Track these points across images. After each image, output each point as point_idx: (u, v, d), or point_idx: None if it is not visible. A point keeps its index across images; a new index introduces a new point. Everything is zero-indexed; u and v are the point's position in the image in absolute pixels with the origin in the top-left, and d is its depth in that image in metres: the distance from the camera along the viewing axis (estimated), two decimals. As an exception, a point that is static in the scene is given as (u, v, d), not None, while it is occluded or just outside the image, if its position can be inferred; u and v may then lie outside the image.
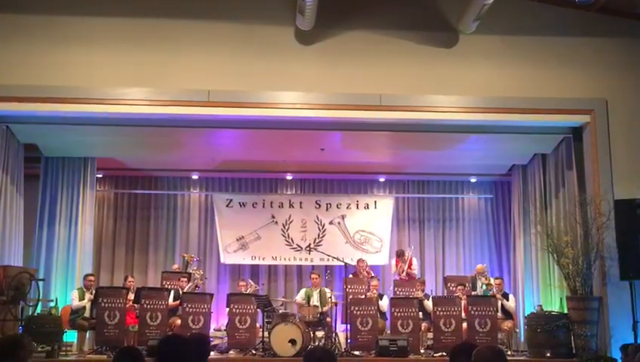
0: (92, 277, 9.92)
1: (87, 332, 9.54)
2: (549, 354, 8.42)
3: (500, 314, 9.52)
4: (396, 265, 11.10)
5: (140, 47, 8.79)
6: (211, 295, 9.84)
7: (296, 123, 9.09)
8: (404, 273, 10.84)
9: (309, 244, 11.92)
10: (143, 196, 12.40)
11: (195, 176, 12.39)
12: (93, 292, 9.60)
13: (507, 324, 9.64)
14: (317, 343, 9.35)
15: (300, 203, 12.14)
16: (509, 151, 10.66)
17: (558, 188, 9.85)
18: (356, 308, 9.32)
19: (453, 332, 9.02)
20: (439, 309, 9.22)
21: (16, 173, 9.45)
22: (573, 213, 8.96)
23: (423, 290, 10.22)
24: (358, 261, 10.89)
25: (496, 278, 10.30)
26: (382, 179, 12.53)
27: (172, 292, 9.86)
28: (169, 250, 12.21)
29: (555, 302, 9.57)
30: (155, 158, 11.40)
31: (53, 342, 8.40)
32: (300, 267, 12.20)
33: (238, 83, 8.75)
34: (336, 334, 9.44)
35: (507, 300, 9.84)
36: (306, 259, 11.98)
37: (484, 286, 10.19)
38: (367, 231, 12.03)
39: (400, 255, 11.25)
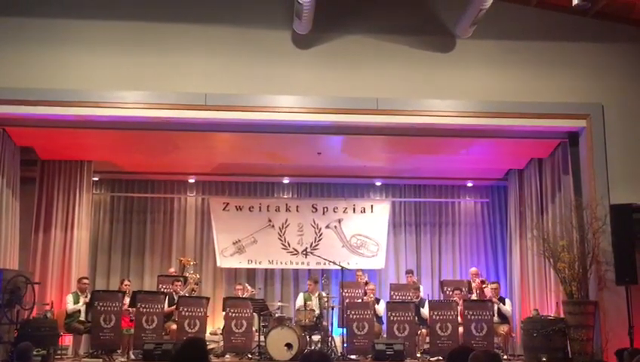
0: (86, 280, 9.91)
1: (83, 335, 9.53)
2: (545, 359, 8.43)
3: (496, 319, 9.54)
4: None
5: (136, 50, 8.79)
6: (207, 299, 9.84)
7: (293, 127, 9.09)
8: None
9: (306, 248, 11.93)
10: (140, 199, 12.39)
11: (191, 180, 12.38)
12: (88, 295, 9.59)
13: (503, 328, 9.65)
14: (313, 347, 9.34)
15: (297, 207, 12.14)
16: (505, 156, 10.69)
17: (554, 192, 9.87)
18: (352, 312, 9.33)
19: (449, 336, 9.04)
20: (435, 313, 9.23)
21: (12, 176, 9.42)
22: (569, 217, 8.97)
23: (417, 296, 10.24)
24: (357, 273, 11.00)
25: (493, 282, 10.33)
26: (378, 183, 12.54)
27: (166, 298, 9.82)
28: (165, 254, 12.20)
29: (551, 307, 9.58)
30: (151, 162, 11.38)
31: (48, 346, 8.38)
32: (296, 271, 12.20)
33: (235, 86, 8.75)
34: (332, 338, 9.43)
35: (503, 304, 9.86)
36: (303, 263, 11.98)
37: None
38: (363, 235, 12.04)
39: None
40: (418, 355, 9.28)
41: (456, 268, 12.33)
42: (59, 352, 8.88)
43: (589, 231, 8.46)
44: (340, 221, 12.07)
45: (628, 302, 8.17)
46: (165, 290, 10.13)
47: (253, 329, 9.43)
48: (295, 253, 11.97)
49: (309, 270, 11.88)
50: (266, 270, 12.19)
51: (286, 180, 12.44)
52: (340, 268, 10.11)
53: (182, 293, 10.03)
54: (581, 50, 9.14)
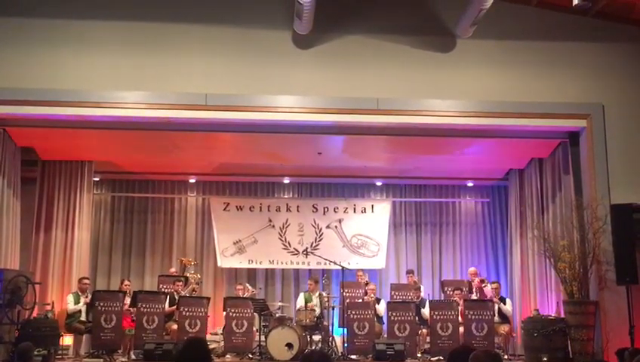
0: (87, 280, 9.91)
1: (84, 335, 9.53)
2: (545, 359, 8.43)
3: (496, 318, 9.55)
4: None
5: (137, 50, 8.79)
6: (208, 299, 9.84)
7: (293, 127, 9.09)
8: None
9: (306, 248, 11.93)
10: (140, 199, 12.39)
11: (192, 180, 12.38)
12: (89, 295, 9.60)
13: (504, 328, 9.65)
14: (314, 347, 9.34)
15: (297, 207, 12.14)
16: (505, 156, 10.68)
17: (554, 192, 9.87)
18: (353, 312, 9.33)
19: (450, 336, 9.04)
20: (436, 313, 9.23)
21: (13, 176, 9.43)
22: (569, 217, 8.97)
23: (418, 297, 10.24)
24: (357, 273, 11.00)
25: (494, 282, 10.33)
26: (379, 183, 12.53)
27: (167, 298, 9.82)
28: (166, 254, 12.20)
29: (551, 306, 9.58)
30: (152, 162, 11.39)
31: (49, 346, 8.38)
32: (297, 271, 12.20)
33: (236, 86, 8.75)
34: (333, 338, 9.43)
35: (504, 304, 9.86)
36: (303, 263, 11.97)
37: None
38: (364, 235, 12.03)
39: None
40: (419, 355, 9.28)
41: (457, 268, 12.32)
42: (59, 352, 8.88)
43: (590, 231, 8.47)
44: (340, 221, 12.07)
45: (628, 301, 8.17)
46: (166, 290, 10.14)
47: (254, 329, 9.43)
48: (296, 252, 11.97)
49: (310, 270, 11.88)
50: (266, 270, 12.19)
51: (286, 180, 12.44)
52: (340, 268, 10.11)
53: (183, 293, 10.04)
54: (581, 50, 9.14)
